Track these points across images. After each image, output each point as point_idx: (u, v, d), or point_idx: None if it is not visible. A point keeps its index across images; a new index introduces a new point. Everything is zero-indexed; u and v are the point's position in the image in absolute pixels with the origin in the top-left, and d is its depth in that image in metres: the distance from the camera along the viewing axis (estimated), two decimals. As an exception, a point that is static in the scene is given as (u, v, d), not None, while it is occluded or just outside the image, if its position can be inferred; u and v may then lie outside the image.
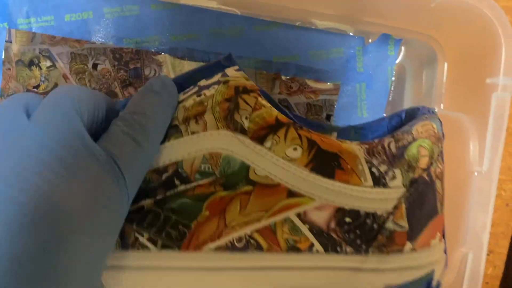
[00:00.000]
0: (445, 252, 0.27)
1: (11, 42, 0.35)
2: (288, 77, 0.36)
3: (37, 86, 0.35)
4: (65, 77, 0.35)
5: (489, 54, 0.32)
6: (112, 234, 0.20)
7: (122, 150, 0.20)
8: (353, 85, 0.36)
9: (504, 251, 0.40)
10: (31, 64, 0.35)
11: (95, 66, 0.35)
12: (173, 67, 0.35)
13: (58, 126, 0.19)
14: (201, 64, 0.35)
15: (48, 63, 0.35)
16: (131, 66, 0.36)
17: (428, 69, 0.35)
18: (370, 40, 0.36)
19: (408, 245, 0.25)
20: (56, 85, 0.35)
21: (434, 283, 0.25)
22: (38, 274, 0.16)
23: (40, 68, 0.35)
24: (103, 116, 0.22)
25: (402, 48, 0.36)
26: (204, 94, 0.24)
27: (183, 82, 0.25)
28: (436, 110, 0.28)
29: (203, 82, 0.25)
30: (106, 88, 0.35)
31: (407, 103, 0.36)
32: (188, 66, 0.35)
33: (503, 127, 0.31)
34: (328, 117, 0.36)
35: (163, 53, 0.35)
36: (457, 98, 0.34)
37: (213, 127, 0.23)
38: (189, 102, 0.24)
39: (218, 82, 0.24)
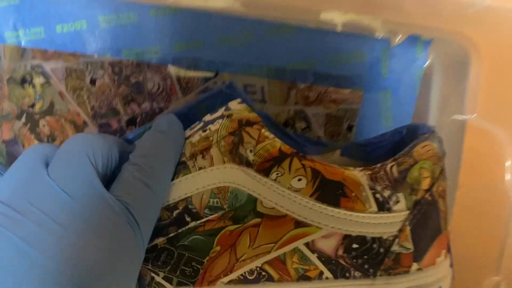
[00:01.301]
0: (451, 266, 0.38)
1: (0, 58, 0.46)
2: (305, 86, 0.47)
3: (32, 105, 0.46)
4: (61, 94, 0.46)
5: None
6: (131, 280, 0.31)
7: (135, 197, 0.31)
8: (377, 92, 0.47)
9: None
10: (23, 81, 0.46)
11: (93, 81, 0.46)
12: (178, 79, 0.46)
13: (74, 181, 0.29)
14: (208, 74, 0.46)
15: (42, 80, 0.46)
16: (133, 80, 0.46)
17: (460, 72, 0.44)
18: (397, 41, 0.46)
19: (414, 266, 0.35)
20: (52, 103, 0.46)
21: None
22: None
23: (34, 86, 0.46)
24: (116, 158, 0.33)
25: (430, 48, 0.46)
26: (209, 129, 0.34)
27: (187, 114, 0.36)
28: (435, 128, 0.38)
29: (207, 117, 0.35)
30: (106, 105, 0.46)
31: (433, 111, 0.46)
32: (194, 77, 0.46)
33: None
34: (350, 128, 0.47)
35: (166, 65, 0.46)
36: (492, 108, 0.43)
37: (220, 162, 0.34)
38: (195, 138, 0.35)
39: (222, 117, 0.35)
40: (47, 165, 0.31)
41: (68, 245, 0.27)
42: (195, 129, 0.35)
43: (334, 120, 0.47)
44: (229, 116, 0.35)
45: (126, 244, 0.30)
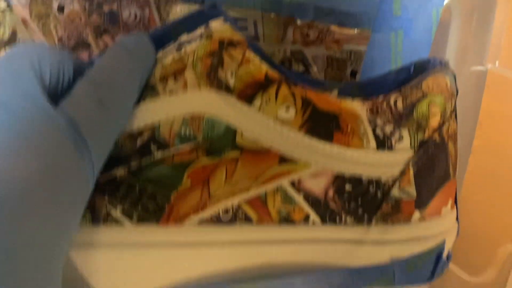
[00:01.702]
0: (457, 219, 0.35)
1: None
2: (304, 22, 0.44)
3: (-9, 33, 0.44)
4: (24, 22, 0.43)
5: None
6: (76, 209, 0.27)
7: (84, 113, 0.27)
8: (387, 33, 0.44)
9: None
10: (-19, 6, 0.44)
11: (61, 8, 0.43)
12: (158, 9, 0.43)
13: (9, 88, 0.26)
14: (193, 5, 0.44)
15: (2, 5, 0.43)
16: (106, 9, 0.43)
17: (482, 13, 0.42)
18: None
19: (416, 214, 0.33)
20: (14, 32, 0.44)
21: (444, 254, 0.34)
22: None
23: (-7, 12, 0.44)
24: (70, 78, 0.30)
25: (450, -17, 0.44)
26: (185, 50, 0.31)
27: (162, 37, 0.33)
28: (448, 62, 0.35)
29: (184, 37, 0.32)
30: (76, 37, 0.44)
31: (451, 59, 0.43)
32: (177, 8, 0.44)
33: None
34: (354, 74, 0.44)
35: (145, -9, 0.44)
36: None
37: (194, 86, 0.31)
38: (168, 60, 0.31)
39: (200, 36, 0.32)
40: None
41: None
42: (168, 49, 0.32)
43: (336, 64, 0.44)
44: (208, 35, 0.32)
45: (69, 165, 0.26)
